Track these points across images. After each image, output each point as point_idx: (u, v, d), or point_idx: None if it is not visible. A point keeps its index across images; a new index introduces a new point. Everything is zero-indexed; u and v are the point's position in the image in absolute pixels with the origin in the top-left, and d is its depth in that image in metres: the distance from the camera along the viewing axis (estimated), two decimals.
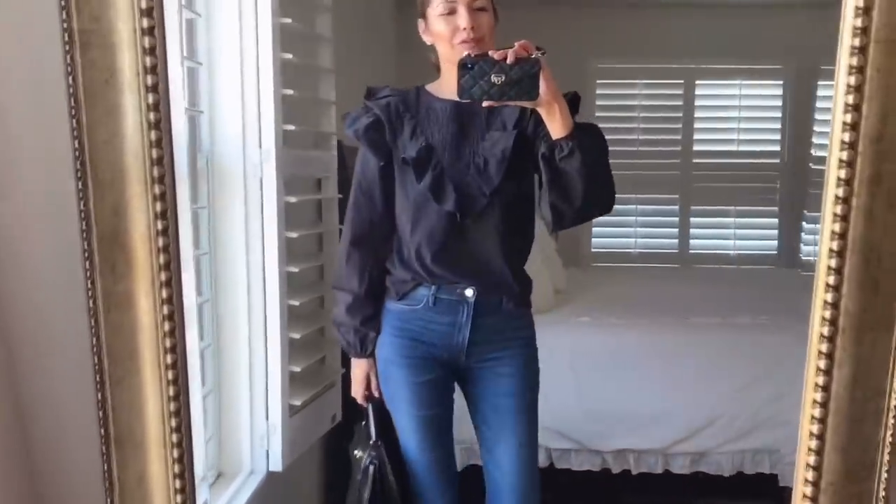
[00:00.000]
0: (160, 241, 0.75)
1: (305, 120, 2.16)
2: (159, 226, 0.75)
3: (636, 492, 2.75)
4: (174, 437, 0.80)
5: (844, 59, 0.70)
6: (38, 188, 0.84)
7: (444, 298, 1.63)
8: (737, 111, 4.63)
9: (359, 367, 1.80)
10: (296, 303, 1.94)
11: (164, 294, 0.76)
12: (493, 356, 1.66)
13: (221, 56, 1.83)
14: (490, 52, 1.37)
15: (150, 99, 0.72)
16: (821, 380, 0.77)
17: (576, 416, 2.68)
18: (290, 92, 1.92)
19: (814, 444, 0.78)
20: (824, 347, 0.76)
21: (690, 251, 4.77)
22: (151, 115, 0.73)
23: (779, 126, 4.63)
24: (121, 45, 0.73)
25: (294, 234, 1.94)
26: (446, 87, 1.58)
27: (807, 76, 4.49)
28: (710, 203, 4.76)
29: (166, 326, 0.77)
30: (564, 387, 2.68)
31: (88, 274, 0.79)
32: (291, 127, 1.93)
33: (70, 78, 0.75)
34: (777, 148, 4.63)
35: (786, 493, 2.47)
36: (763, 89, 4.65)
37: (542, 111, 1.41)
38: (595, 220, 4.60)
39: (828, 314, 0.76)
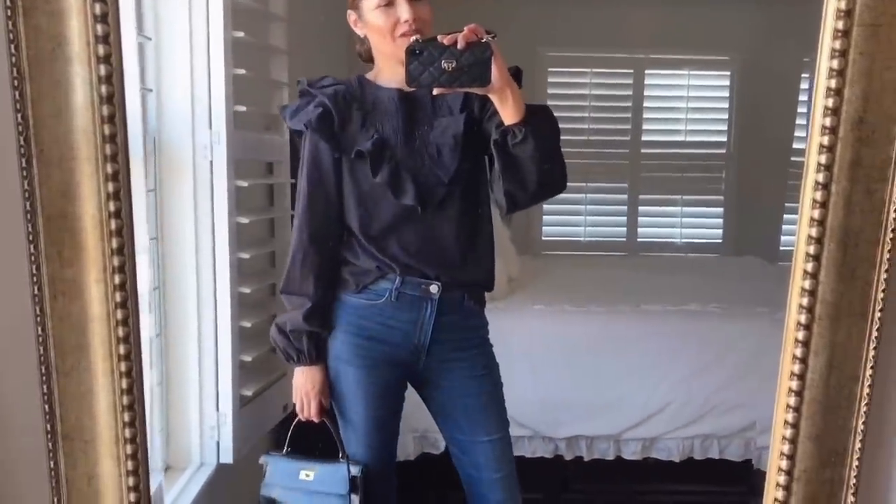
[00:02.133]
0: (112, 224, 0.70)
1: (256, 101, 2.10)
2: (112, 207, 0.70)
3: (588, 479, 2.77)
4: (127, 433, 0.75)
5: (827, 42, 0.69)
6: None
7: (408, 294, 1.54)
8: (685, 101, 4.69)
9: (309, 377, 1.61)
10: (247, 290, 1.89)
11: (117, 280, 0.71)
12: (454, 356, 1.59)
13: (171, 32, 1.76)
14: (438, 37, 1.31)
15: (102, 71, 0.67)
16: (796, 368, 0.76)
17: (530, 403, 2.67)
18: (241, 71, 1.85)
19: (788, 432, 0.77)
20: (801, 335, 0.75)
21: (638, 239, 4.82)
22: (103, 89, 0.68)
23: (725, 117, 4.71)
24: (69, 11, 0.68)
25: (245, 220, 1.88)
26: (386, 76, 1.54)
27: (753, 68, 4.56)
28: (657, 192, 4.82)
29: (119, 315, 0.72)
30: (519, 374, 2.67)
31: (33, 259, 0.73)
32: (242, 108, 1.86)
33: (12, 46, 0.69)
34: (723, 139, 4.72)
35: (755, 477, 2.52)
36: (711, 80, 4.72)
37: (493, 97, 1.36)
38: (546, 209, 4.61)
39: (805, 302, 0.75)
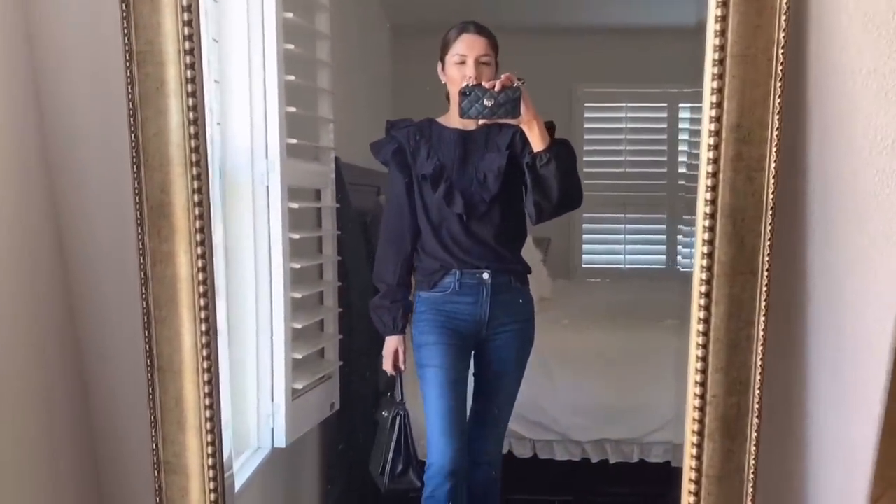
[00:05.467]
0: (196, 211, 1.00)
1: (306, 135, 2.42)
2: (195, 198, 1.00)
3: (613, 481, 2.96)
4: (205, 364, 1.04)
5: (709, 68, 0.95)
6: (104, 171, 1.11)
7: (467, 282, 2.09)
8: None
9: (390, 343, 2.23)
10: (298, 295, 2.19)
11: (199, 251, 1.01)
12: (505, 328, 2.14)
13: (234, 75, 2.10)
14: (482, 83, 1.87)
15: (190, 102, 0.97)
16: (702, 314, 1.01)
17: (558, 409, 2.89)
18: (292, 109, 2.18)
19: (699, 365, 1.01)
20: (703, 289, 1.00)
21: (678, 268, 4.98)
22: (190, 115, 0.98)
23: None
24: (168, 62, 0.99)
25: (296, 236, 2.19)
26: (454, 118, 2.04)
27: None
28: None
29: (200, 276, 1.01)
30: (548, 384, 2.90)
31: (140, 237, 1.03)
32: (294, 141, 2.19)
33: (129, 87, 1.00)
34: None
35: None
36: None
37: (524, 127, 1.89)
38: (586, 238, 4.85)
39: (705, 262, 1.00)
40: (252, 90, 2.11)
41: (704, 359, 1.00)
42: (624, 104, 4.93)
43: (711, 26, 0.90)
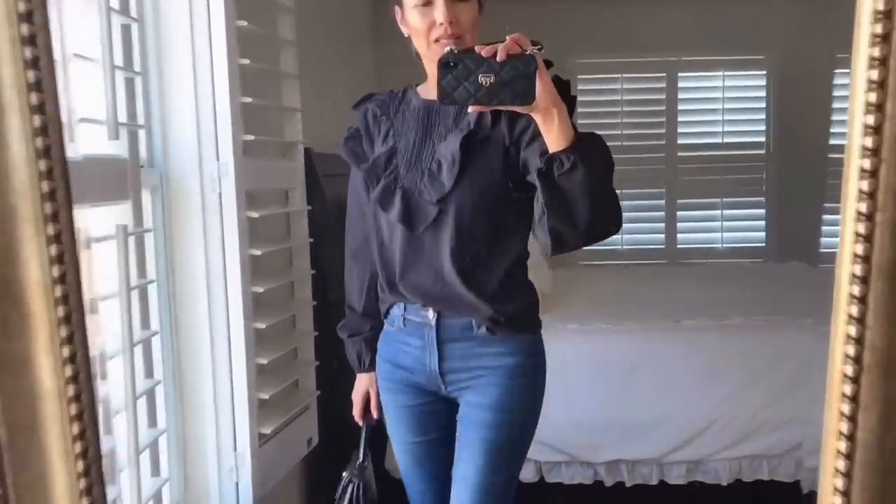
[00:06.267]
0: (58, 291, 0.62)
1: (269, 129, 2.03)
2: (55, 272, 0.62)
3: None
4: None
5: (864, 49, 0.59)
6: None
7: (412, 320, 1.47)
8: (720, 103, 4.54)
9: (358, 383, 1.68)
10: (262, 325, 1.81)
11: (67, 352, 0.64)
12: (468, 385, 1.45)
13: (172, 63, 1.70)
14: (476, 48, 1.15)
15: (37, 122, 0.59)
16: (844, 427, 0.65)
17: (566, 427, 2.56)
18: (248, 100, 1.79)
19: (839, 501, 0.66)
20: (847, 389, 0.65)
21: (678, 246, 4.67)
22: (39, 142, 0.60)
23: (763, 117, 4.55)
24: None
25: (258, 252, 1.81)
26: (431, 85, 1.35)
27: (788, 66, 4.40)
28: (696, 196, 4.68)
29: (71, 391, 0.64)
30: (553, 397, 2.55)
31: None
32: (251, 137, 1.80)
33: None
34: (762, 139, 4.55)
35: (806, 501, 2.38)
36: (746, 80, 4.57)
37: (537, 118, 1.17)
38: None
39: (851, 350, 0.64)
40: (197, 78, 1.72)
41: (846, 492, 0.65)
42: (620, 75, 4.59)
43: None
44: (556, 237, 1.23)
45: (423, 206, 1.38)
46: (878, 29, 0.58)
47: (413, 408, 1.54)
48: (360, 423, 1.70)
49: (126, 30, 1.55)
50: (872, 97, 0.59)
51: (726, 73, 4.53)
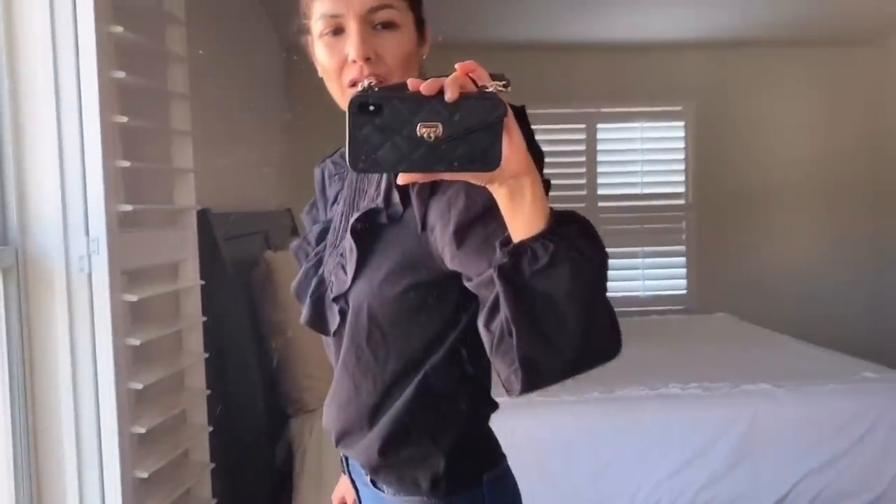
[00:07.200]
0: None
1: (155, 194, 1.76)
2: None
3: None
4: None
5: None
6: None
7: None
8: (639, 154, 4.51)
9: (338, 485, 1.25)
10: (142, 430, 1.51)
11: None
12: None
13: (31, 120, 1.42)
14: (410, 83, 0.71)
15: None
16: None
17: None
18: (126, 163, 1.52)
19: None
20: None
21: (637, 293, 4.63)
22: None
23: (682, 167, 4.53)
24: None
25: (136, 342, 1.52)
26: None
27: (707, 116, 4.40)
28: (616, 245, 4.60)
29: None
30: None
31: None
32: (128, 207, 1.52)
33: None
34: (681, 189, 4.53)
35: None
36: (664, 131, 4.55)
37: (500, 192, 0.76)
38: None
39: None
40: (62, 138, 1.44)
41: None
42: (540, 126, 4.50)
43: None
44: (529, 369, 0.77)
45: (329, 305, 1.01)
46: None
47: None
48: None
49: None
50: None
51: (644, 123, 4.52)
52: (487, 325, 0.81)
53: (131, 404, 1.52)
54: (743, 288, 4.47)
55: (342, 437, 1.02)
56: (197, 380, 1.80)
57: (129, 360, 1.53)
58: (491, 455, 1.01)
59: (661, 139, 4.60)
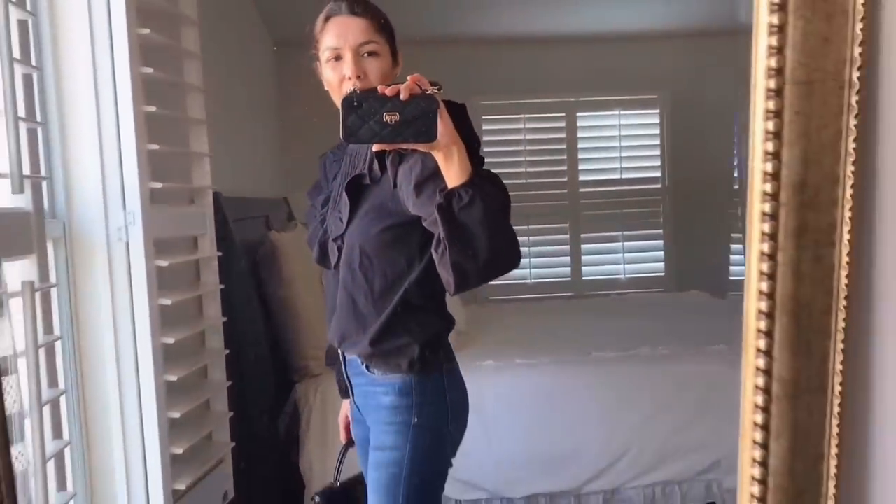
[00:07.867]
0: None
1: (176, 175, 1.99)
2: None
3: None
4: None
5: (760, 102, 0.63)
6: None
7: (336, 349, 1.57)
8: (617, 141, 4.73)
9: (342, 407, 1.76)
10: (173, 378, 1.75)
11: None
12: (370, 419, 1.51)
13: (74, 111, 1.65)
14: (379, 88, 1.19)
15: None
16: (757, 454, 0.69)
17: (485, 463, 2.57)
18: (155, 147, 1.75)
19: None
20: (759, 418, 0.68)
21: (583, 278, 4.81)
22: None
23: (658, 153, 4.76)
24: None
25: (168, 302, 1.76)
26: None
27: (682, 104, 4.64)
28: (598, 230, 4.83)
29: None
30: (471, 434, 2.57)
31: None
32: (158, 184, 1.75)
33: None
34: (658, 174, 4.76)
35: None
36: (641, 118, 4.77)
37: (438, 156, 1.22)
38: None
39: (760, 381, 0.68)
40: (101, 126, 1.67)
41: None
42: (522, 115, 4.74)
43: (763, 41, 0.59)
44: (458, 272, 1.23)
45: (331, 245, 1.51)
46: (772, 84, 0.63)
47: (360, 438, 1.64)
48: (343, 441, 1.75)
49: (27, 79, 1.49)
50: (770, 146, 0.64)
51: (622, 111, 4.73)
52: (435, 248, 1.27)
53: (162, 357, 1.75)
54: (716, 267, 4.70)
55: (343, 340, 1.49)
56: (216, 340, 2.03)
57: (160, 319, 1.76)
58: (448, 355, 1.50)
59: (639, 125, 4.81)
